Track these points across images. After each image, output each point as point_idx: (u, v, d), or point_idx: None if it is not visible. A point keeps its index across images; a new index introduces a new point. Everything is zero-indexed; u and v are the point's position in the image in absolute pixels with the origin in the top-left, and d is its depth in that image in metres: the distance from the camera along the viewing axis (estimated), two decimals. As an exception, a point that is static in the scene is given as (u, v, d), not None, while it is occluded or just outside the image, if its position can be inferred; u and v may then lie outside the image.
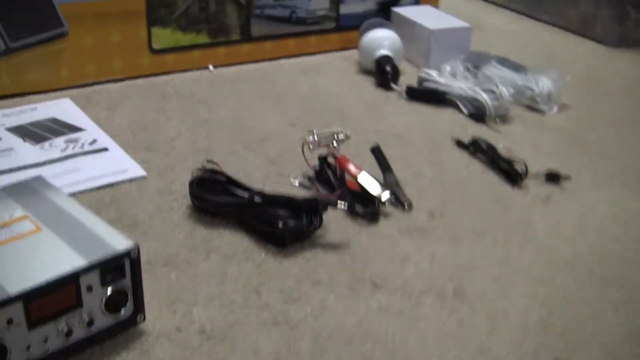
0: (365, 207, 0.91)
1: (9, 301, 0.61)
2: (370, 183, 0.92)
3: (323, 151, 0.99)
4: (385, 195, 0.91)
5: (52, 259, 0.66)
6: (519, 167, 1.01)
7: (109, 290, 0.68)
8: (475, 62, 1.33)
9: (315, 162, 0.99)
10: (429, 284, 0.80)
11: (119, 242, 0.68)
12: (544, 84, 1.25)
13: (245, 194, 0.88)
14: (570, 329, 0.75)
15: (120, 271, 0.68)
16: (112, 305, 0.68)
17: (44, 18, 1.23)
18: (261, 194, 0.88)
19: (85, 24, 1.27)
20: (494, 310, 0.77)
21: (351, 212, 0.90)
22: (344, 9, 1.49)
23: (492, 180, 1.03)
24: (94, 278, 0.66)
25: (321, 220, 0.85)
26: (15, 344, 0.62)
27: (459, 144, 1.10)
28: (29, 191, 0.77)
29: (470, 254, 0.86)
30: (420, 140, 1.13)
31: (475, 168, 1.05)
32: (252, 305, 0.76)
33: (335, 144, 1.02)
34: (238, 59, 1.41)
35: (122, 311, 0.69)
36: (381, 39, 1.37)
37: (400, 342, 0.72)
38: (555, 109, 1.25)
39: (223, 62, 1.40)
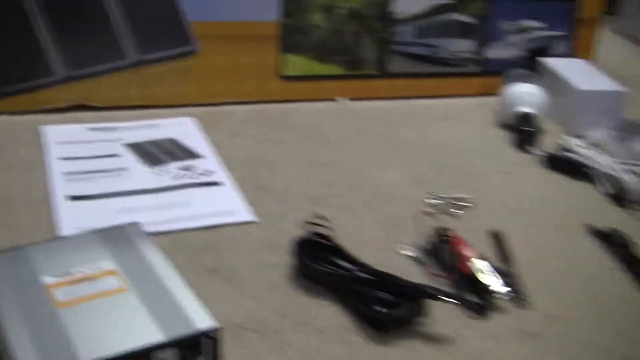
0: (476, 298, 0.84)
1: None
2: (484, 271, 0.85)
3: (442, 218, 0.93)
4: (500, 288, 0.84)
5: (130, 328, 0.63)
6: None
7: None
8: (626, 133, 1.23)
9: (432, 230, 0.92)
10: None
11: (202, 320, 0.65)
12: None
13: (350, 267, 0.82)
14: None
15: (197, 350, 0.64)
16: None
17: (174, 34, 1.21)
18: (366, 269, 0.82)
19: (218, 43, 1.23)
20: None
21: (460, 301, 0.83)
22: (490, 53, 1.41)
23: (626, 284, 0.93)
24: (168, 355, 0.62)
25: (425, 309, 0.79)
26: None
27: (593, 231, 1.02)
28: (123, 240, 0.74)
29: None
30: (550, 221, 1.04)
31: (608, 265, 0.96)
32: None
33: (456, 211, 0.95)
34: (371, 94, 1.36)
35: None
36: (525, 95, 1.30)
37: None
38: None
39: (355, 95, 1.35)
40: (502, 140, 1.26)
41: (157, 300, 0.66)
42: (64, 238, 0.83)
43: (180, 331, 0.63)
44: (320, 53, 1.29)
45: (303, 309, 0.81)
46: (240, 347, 0.74)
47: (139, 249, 0.73)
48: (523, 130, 1.24)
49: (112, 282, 0.69)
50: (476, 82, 1.42)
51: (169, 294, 0.68)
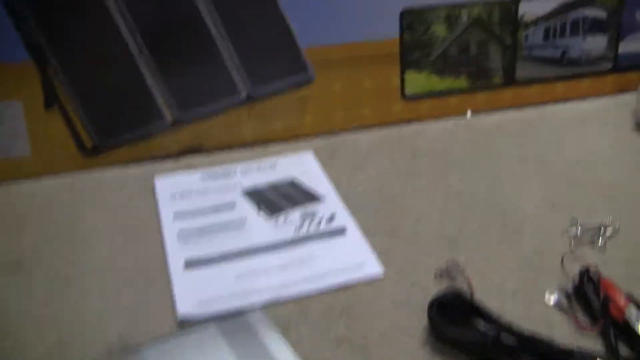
0: (631, 350, 0.76)
1: None
2: None
3: (584, 251, 0.87)
4: None
5: None
6: None
7: None
8: None
9: (576, 268, 0.85)
10: None
11: None
12: None
13: (492, 330, 0.75)
14: None
15: None
16: None
17: (289, 63, 1.16)
18: (511, 331, 0.75)
19: (334, 68, 1.18)
20: None
21: (613, 354, 0.75)
22: (624, 48, 1.31)
23: None
24: None
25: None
26: None
27: None
28: (246, 334, 0.70)
29: None
30: None
31: None
32: None
33: (601, 241, 0.87)
34: (499, 105, 1.29)
35: None
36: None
37: None
38: None
39: (482, 108, 1.27)
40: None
41: None
42: (182, 334, 0.78)
43: None
44: (444, 67, 1.22)
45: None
46: None
47: (264, 345, 0.68)
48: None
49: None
50: (610, 79, 1.33)
51: None
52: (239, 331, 0.71)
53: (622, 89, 1.32)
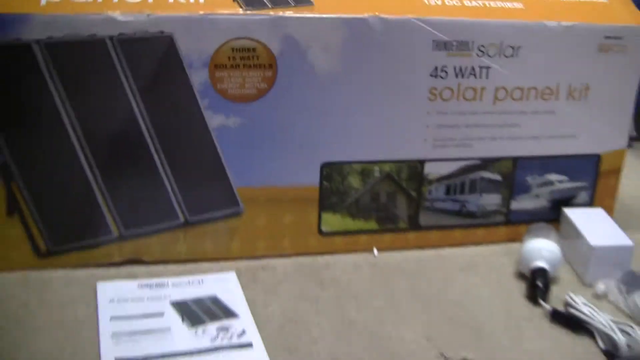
0: None
1: None
2: None
3: None
4: None
5: None
6: None
7: None
8: (630, 285, 1.34)
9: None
10: None
11: None
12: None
13: None
14: None
15: None
16: None
17: (222, 198, 1.36)
18: None
19: (260, 205, 1.38)
20: None
21: None
22: (515, 205, 1.53)
23: None
24: None
25: None
26: None
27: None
28: None
29: None
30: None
31: None
32: None
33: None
34: (403, 245, 1.49)
35: None
36: (540, 251, 1.40)
37: None
38: None
39: (388, 247, 1.48)
40: (517, 290, 1.38)
41: None
42: None
43: None
44: (356, 211, 1.43)
45: None
46: None
47: None
48: (536, 285, 1.35)
49: None
50: (502, 230, 1.54)
51: None
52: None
53: (512, 239, 1.53)
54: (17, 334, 1.16)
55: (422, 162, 1.43)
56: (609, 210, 1.60)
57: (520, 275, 1.42)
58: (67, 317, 1.21)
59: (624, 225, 1.51)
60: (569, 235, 1.46)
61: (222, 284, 1.31)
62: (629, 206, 1.68)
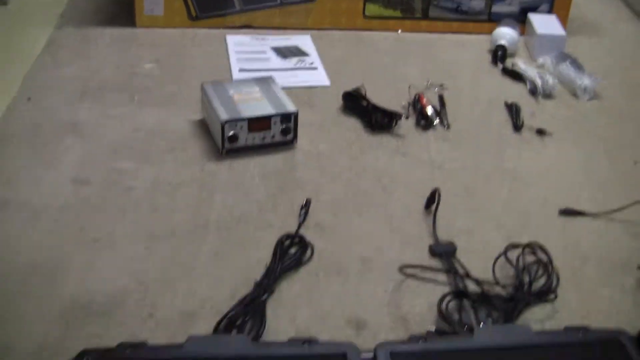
0: (425, 122, 1.83)
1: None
2: (430, 112, 1.83)
3: (430, 92, 1.90)
4: (435, 119, 1.83)
5: (265, 110, 1.65)
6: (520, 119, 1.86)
7: (283, 126, 1.64)
8: (559, 59, 2.16)
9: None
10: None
11: (292, 107, 1.67)
12: (585, 81, 2.06)
13: (367, 106, 1.85)
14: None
15: (289, 120, 1.67)
16: (284, 131, 1.65)
17: (305, -12, 2.22)
18: (379, 109, 1.85)
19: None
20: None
21: (417, 123, 1.83)
22: (495, 8, 2.34)
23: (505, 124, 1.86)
24: (276, 119, 1.65)
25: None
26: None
27: (506, 104, 1.97)
28: (265, 82, 1.76)
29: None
30: (487, 99, 1.96)
31: (505, 117, 1.89)
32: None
33: (439, 89, 1.94)
34: (417, 29, 2.30)
35: (288, 136, 1.66)
36: (504, 34, 2.21)
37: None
38: (586, 97, 2.04)
39: (408, 29, 2.29)
40: (486, 60, 2.18)
41: (275, 102, 1.68)
42: (234, 82, 1.83)
43: (283, 110, 1.65)
44: (388, 3, 2.28)
45: (346, 121, 1.83)
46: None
47: (271, 85, 1.75)
48: (496, 54, 2.20)
49: (257, 95, 1.72)
50: (485, 25, 2.33)
51: (280, 98, 1.71)
52: (263, 81, 1.77)
53: (491, 32, 2.34)
54: (180, 64, 2.04)
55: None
56: (563, 18, 2.33)
57: (491, 51, 2.23)
58: (211, 54, 2.08)
59: (574, 30, 2.29)
60: (531, 31, 2.25)
61: (301, 40, 2.17)
62: (582, 16, 2.47)
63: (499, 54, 2.15)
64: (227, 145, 1.59)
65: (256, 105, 1.63)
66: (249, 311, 1.19)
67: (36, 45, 2.01)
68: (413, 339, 1.09)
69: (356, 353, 1.05)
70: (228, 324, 1.16)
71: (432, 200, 1.46)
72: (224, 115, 1.57)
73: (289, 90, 1.75)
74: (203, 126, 1.71)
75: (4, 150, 1.60)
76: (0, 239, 1.35)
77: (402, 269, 1.31)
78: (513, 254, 1.32)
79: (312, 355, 1.05)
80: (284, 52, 2.08)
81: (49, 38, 2.08)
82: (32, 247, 1.33)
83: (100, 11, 2.24)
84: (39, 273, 1.27)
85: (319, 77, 1.99)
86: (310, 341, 1.06)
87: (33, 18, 2.07)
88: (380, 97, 1.83)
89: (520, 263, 1.30)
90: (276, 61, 2.04)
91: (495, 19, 2.30)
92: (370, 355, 1.06)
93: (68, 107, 1.77)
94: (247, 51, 2.07)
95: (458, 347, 1.08)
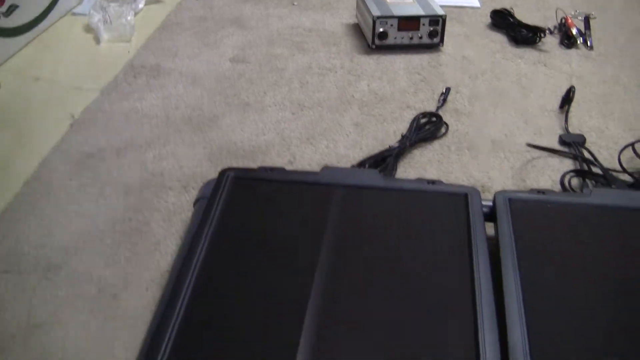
0: (569, 42, 1.90)
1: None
2: (575, 31, 1.89)
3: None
4: (579, 39, 1.89)
5: (415, 11, 1.75)
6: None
7: (431, 28, 1.74)
8: None
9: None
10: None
11: (440, 10, 1.76)
12: None
13: None
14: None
15: (437, 22, 1.76)
16: (431, 34, 1.75)
17: None
18: None
19: None
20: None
21: (561, 42, 1.89)
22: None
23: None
24: (425, 20, 1.75)
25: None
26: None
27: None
28: None
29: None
30: (629, 30, 2.00)
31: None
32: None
33: (584, 17, 2.00)
34: None
35: (435, 39, 1.77)
36: None
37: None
38: None
39: None
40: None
41: (427, 7, 1.80)
42: None
43: (432, 12, 1.76)
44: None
45: (492, 35, 1.91)
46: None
47: None
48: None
49: (409, -1, 1.82)
50: None
51: (434, 5, 1.81)
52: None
53: None
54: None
55: None
56: None
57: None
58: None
59: None
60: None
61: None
62: None
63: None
64: (377, 41, 1.71)
65: (408, 7, 1.74)
66: (382, 162, 1.29)
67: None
68: (532, 191, 1.15)
69: (477, 195, 1.12)
70: (360, 165, 1.29)
71: (567, 98, 1.51)
72: (376, 12, 1.69)
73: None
74: (356, 29, 1.85)
75: (173, 34, 1.81)
76: (162, 96, 1.54)
77: (529, 145, 1.37)
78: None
79: (436, 191, 1.13)
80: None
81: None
82: (188, 104, 1.51)
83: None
84: (192, 123, 1.45)
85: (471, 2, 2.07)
86: (435, 182, 1.15)
87: None
88: (528, 19, 1.91)
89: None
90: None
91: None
92: (490, 203, 1.13)
93: (231, 7, 1.98)
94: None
95: (573, 202, 1.14)
